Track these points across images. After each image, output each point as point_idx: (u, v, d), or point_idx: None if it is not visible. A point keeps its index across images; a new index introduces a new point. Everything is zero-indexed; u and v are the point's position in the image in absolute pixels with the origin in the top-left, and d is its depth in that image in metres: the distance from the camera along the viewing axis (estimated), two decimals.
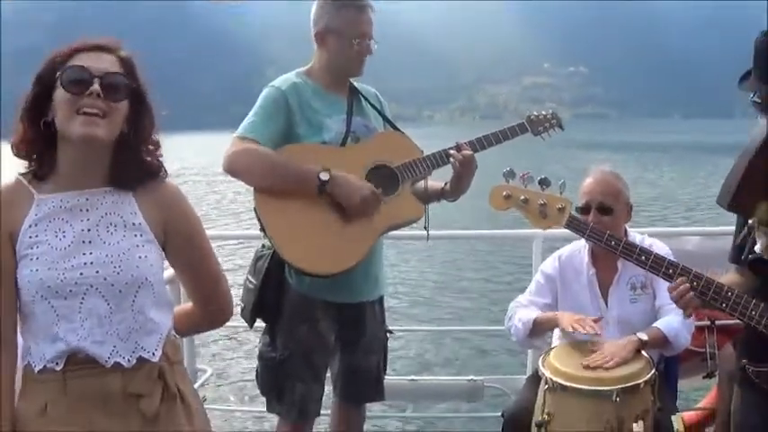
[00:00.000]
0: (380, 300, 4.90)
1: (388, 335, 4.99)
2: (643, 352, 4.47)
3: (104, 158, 2.94)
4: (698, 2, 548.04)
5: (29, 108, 2.89)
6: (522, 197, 4.05)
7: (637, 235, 5.06)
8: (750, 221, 1.36)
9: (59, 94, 2.83)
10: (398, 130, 4.87)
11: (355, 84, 4.83)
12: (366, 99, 4.84)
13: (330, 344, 4.69)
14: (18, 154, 2.97)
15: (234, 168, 4.38)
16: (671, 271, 3.73)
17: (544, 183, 4.04)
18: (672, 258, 4.71)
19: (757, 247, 3.67)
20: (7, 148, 2.99)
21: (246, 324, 4.69)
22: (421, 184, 4.72)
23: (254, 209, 4.44)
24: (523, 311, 5.01)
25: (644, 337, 4.53)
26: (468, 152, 4.58)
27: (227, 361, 13.08)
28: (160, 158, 3.10)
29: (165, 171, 3.12)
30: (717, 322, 5.50)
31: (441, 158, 4.63)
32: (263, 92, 4.62)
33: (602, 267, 5.00)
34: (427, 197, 4.76)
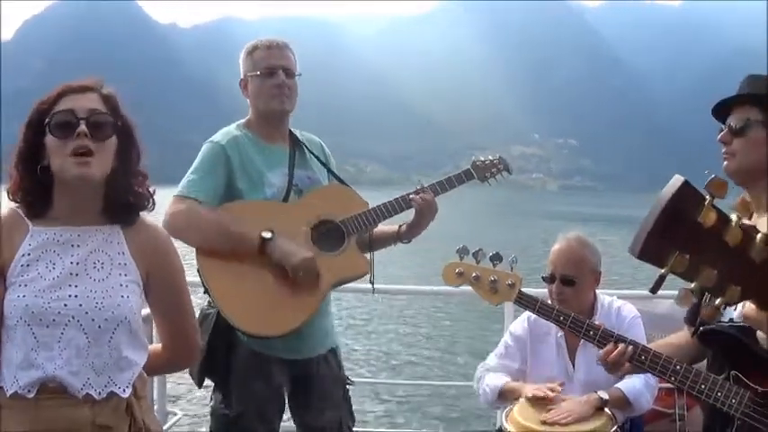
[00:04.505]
0: (333, 351, 4.79)
1: (348, 387, 4.87)
2: (606, 409, 4.54)
3: (97, 196, 3.07)
4: (687, 74, 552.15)
5: (24, 157, 3.02)
6: (474, 274, 4.07)
7: (606, 297, 5.15)
8: (662, 271, 1.44)
9: (50, 139, 2.96)
10: (343, 182, 4.88)
11: (298, 134, 4.82)
12: (309, 150, 4.82)
13: (283, 397, 4.64)
14: (14, 199, 3.07)
15: (173, 229, 4.16)
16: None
17: (496, 258, 4.07)
18: (638, 320, 4.85)
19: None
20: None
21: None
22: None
23: (198, 269, 4.41)
24: (492, 377, 5.06)
25: (604, 395, 4.59)
26: (428, 196, 4.63)
27: (198, 404, 13.00)
28: (149, 190, 3.22)
29: (153, 202, 3.23)
30: None
31: (390, 209, 4.62)
32: (203, 147, 4.60)
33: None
34: (375, 244, 4.80)
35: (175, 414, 6.53)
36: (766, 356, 3.32)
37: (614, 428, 4.42)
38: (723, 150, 3.56)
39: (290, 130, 4.79)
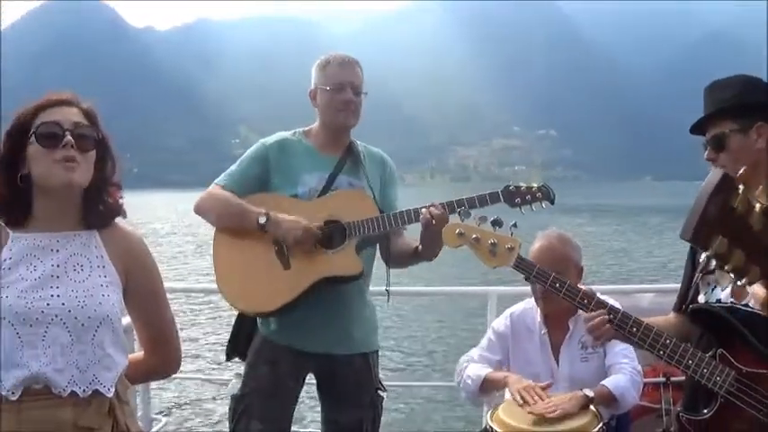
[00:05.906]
0: (365, 356, 4.81)
1: (382, 394, 4.87)
2: (591, 407, 4.49)
3: (76, 204, 3.13)
4: (667, 62, 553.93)
5: (4, 166, 3.05)
6: (475, 236, 4.04)
7: None
8: (707, 253, 1.51)
9: (34, 149, 3.02)
10: (373, 193, 4.80)
11: (361, 146, 4.91)
12: (363, 162, 4.85)
13: (293, 390, 4.73)
14: None
15: (198, 208, 4.74)
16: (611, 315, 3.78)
17: (497, 223, 4.04)
18: None
19: (701, 297, 3.80)
20: None
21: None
22: (396, 245, 4.78)
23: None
24: (474, 367, 5.02)
25: (590, 393, 4.54)
26: (437, 211, 4.41)
27: (182, 412, 12.97)
28: (121, 200, 3.29)
29: (125, 211, 3.31)
30: (672, 379, 5.58)
31: (398, 219, 4.56)
32: None
33: (553, 326, 5.03)
34: (400, 259, 4.81)
35: (160, 421, 6.52)
36: (752, 338, 3.41)
37: (600, 425, 4.36)
38: (713, 167, 3.66)
39: (351, 142, 4.89)
